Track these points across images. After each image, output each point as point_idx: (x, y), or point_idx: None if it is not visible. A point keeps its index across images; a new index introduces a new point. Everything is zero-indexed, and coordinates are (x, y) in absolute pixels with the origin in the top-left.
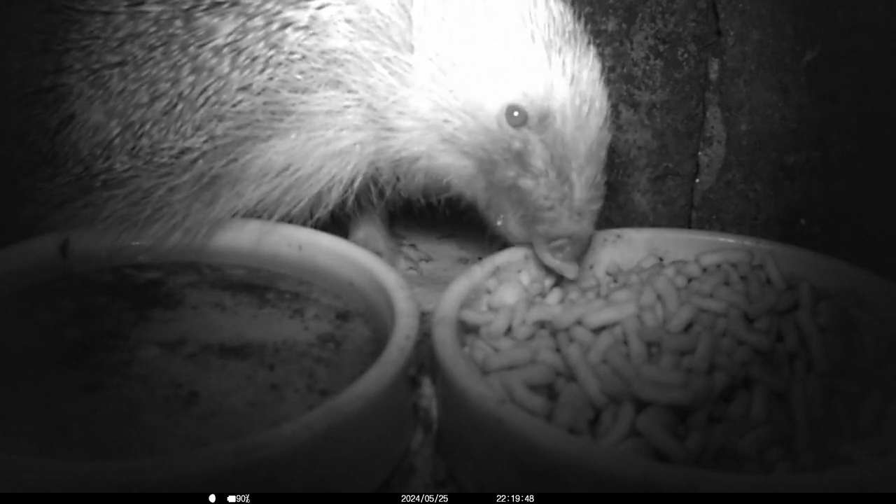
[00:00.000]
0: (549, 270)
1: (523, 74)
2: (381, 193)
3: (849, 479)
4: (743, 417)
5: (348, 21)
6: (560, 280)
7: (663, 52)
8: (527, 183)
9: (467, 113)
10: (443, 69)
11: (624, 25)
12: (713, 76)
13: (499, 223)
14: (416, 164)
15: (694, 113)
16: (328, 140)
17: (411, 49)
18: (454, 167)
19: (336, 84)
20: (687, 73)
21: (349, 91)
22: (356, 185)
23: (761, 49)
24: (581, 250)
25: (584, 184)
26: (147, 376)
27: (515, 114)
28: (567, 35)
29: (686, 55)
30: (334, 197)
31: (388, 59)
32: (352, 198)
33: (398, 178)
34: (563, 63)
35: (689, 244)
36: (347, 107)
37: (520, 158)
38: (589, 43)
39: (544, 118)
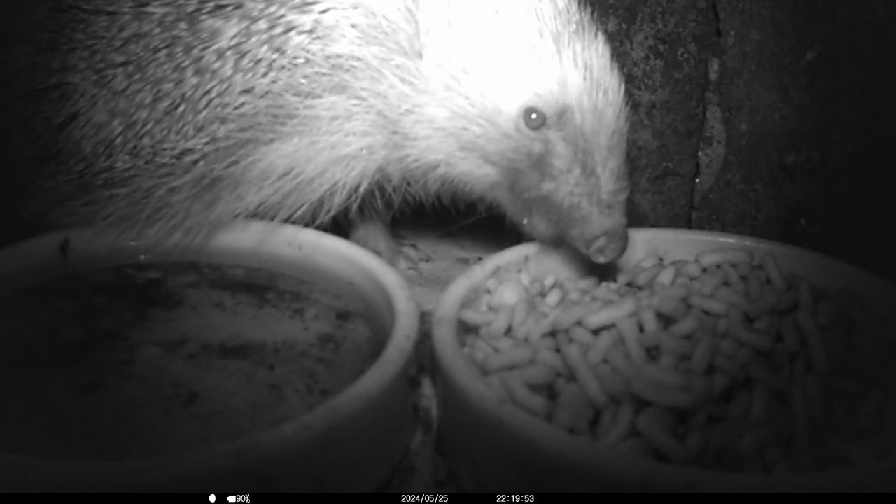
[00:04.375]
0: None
1: (535, 73)
2: (388, 202)
3: (849, 479)
4: (743, 417)
5: (354, 26)
6: (560, 280)
7: (663, 52)
8: (550, 186)
9: (486, 119)
10: (455, 76)
11: (624, 25)
12: (713, 76)
13: (524, 222)
14: (435, 171)
15: (694, 113)
16: (333, 144)
17: (420, 55)
18: (476, 174)
19: (342, 89)
20: (687, 73)
21: (357, 97)
22: (361, 190)
23: (761, 49)
24: (621, 245)
25: (609, 175)
26: (147, 376)
27: (533, 116)
28: (575, 26)
29: (686, 55)
30: (337, 202)
31: (397, 66)
32: (356, 204)
33: (408, 184)
34: (574, 55)
35: (689, 244)
36: (354, 112)
37: (541, 163)
38: (597, 31)
39: (562, 114)
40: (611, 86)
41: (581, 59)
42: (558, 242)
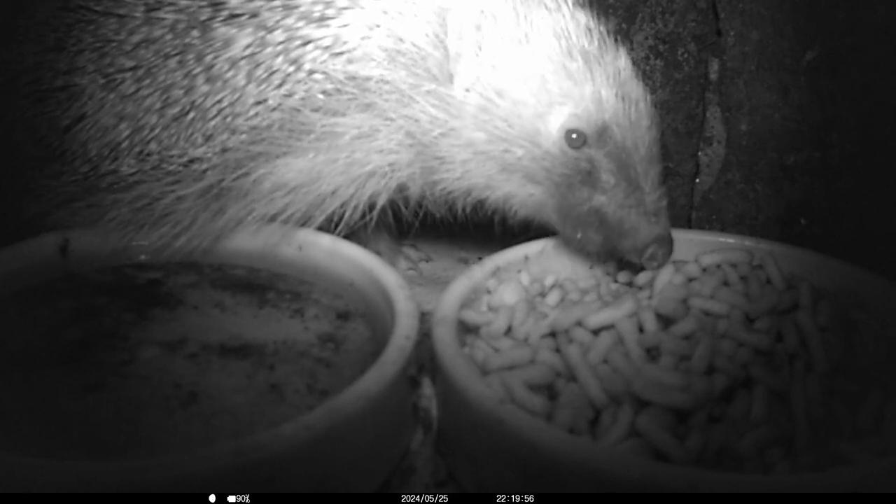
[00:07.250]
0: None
1: (571, 94)
2: (399, 219)
3: (849, 479)
4: (743, 417)
5: (383, 50)
6: (560, 280)
7: (663, 52)
8: (601, 200)
9: (527, 140)
10: (491, 98)
11: (624, 25)
12: (713, 76)
13: (578, 237)
14: (472, 195)
15: (694, 113)
16: (353, 162)
17: (450, 79)
18: (520, 195)
19: (367, 108)
20: (687, 73)
21: (384, 117)
22: (376, 209)
23: (761, 49)
24: (670, 249)
25: (651, 185)
26: (147, 376)
27: (574, 136)
28: (600, 43)
29: (686, 55)
30: (348, 219)
31: (427, 91)
32: (372, 224)
33: (420, 206)
34: (605, 72)
35: (689, 244)
36: (381, 130)
37: (590, 177)
38: (618, 45)
39: (602, 132)
40: (640, 97)
41: (612, 76)
42: (610, 256)
